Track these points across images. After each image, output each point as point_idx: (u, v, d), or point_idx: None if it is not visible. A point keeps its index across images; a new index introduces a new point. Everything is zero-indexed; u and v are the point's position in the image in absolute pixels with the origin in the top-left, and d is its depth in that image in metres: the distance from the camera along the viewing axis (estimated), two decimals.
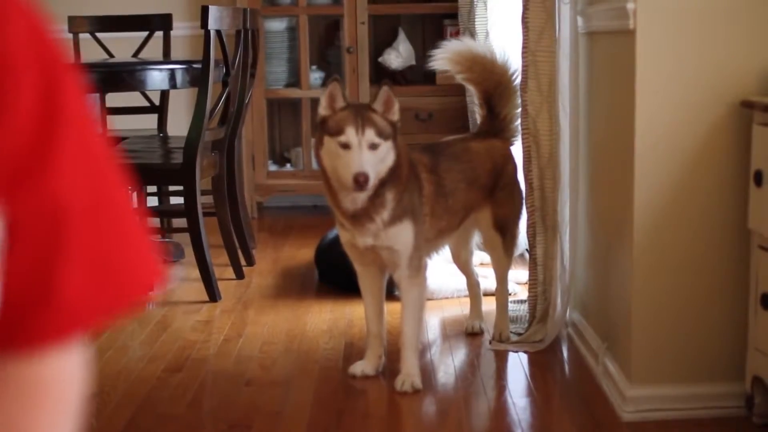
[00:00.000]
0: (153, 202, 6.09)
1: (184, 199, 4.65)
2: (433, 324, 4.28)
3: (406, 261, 3.44)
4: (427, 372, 3.75)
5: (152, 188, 5.93)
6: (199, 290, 4.70)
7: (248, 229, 5.49)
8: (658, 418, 3.16)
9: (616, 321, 3.37)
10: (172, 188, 5.83)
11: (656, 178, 3.10)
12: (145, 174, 4.75)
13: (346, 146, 3.21)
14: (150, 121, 6.14)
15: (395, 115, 3.31)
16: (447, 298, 4.57)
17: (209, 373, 3.72)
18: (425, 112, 6.58)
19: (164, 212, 5.77)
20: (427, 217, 3.52)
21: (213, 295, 4.64)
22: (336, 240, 4.89)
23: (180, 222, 5.33)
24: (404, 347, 3.49)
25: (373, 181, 3.21)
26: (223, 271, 5.02)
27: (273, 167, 6.86)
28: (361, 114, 3.25)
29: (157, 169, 4.75)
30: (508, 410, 3.31)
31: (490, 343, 3.91)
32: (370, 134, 3.22)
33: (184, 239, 5.03)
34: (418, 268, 3.48)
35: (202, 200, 4.70)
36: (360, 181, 3.15)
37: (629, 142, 3.14)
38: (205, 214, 4.75)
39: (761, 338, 2.98)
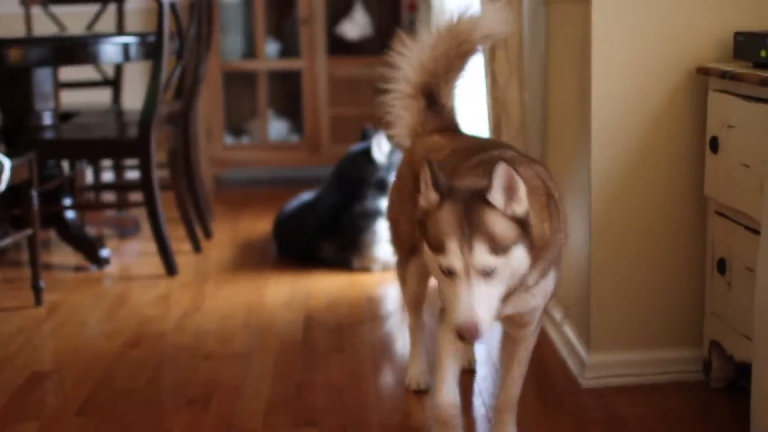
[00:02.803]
0: (109, 176, 6.04)
1: (140, 173, 4.60)
2: (392, 295, 4.28)
3: (541, 313, 2.58)
4: (386, 342, 3.76)
5: (108, 162, 5.88)
6: (156, 265, 4.67)
7: (205, 202, 5.45)
8: (617, 383, 3.17)
9: (574, 288, 3.37)
10: (128, 163, 5.78)
11: (613, 145, 3.10)
12: (100, 148, 4.70)
13: (448, 273, 2.21)
14: (105, 96, 6.08)
15: (521, 205, 2.24)
16: None
17: (168, 348, 3.69)
18: (385, 83, 6.53)
19: (120, 186, 5.72)
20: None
21: (170, 269, 4.61)
22: (294, 213, 4.88)
23: (137, 196, 5.29)
24: (505, 410, 2.71)
25: (489, 326, 2.21)
26: (180, 245, 4.98)
27: (230, 140, 6.82)
28: (468, 218, 2.20)
29: (111, 142, 4.70)
30: (468, 379, 3.31)
31: None
32: (481, 254, 2.18)
33: (141, 214, 4.99)
34: (541, 318, 2.63)
35: (159, 174, 4.66)
36: (466, 336, 2.18)
37: (586, 109, 3.13)
38: (162, 188, 4.72)
39: (718, 303, 2.99)
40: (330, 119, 6.64)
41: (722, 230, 2.95)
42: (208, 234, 5.29)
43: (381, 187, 4.70)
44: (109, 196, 6.03)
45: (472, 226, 2.18)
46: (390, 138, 4.68)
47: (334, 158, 5.14)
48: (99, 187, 5.72)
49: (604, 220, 3.14)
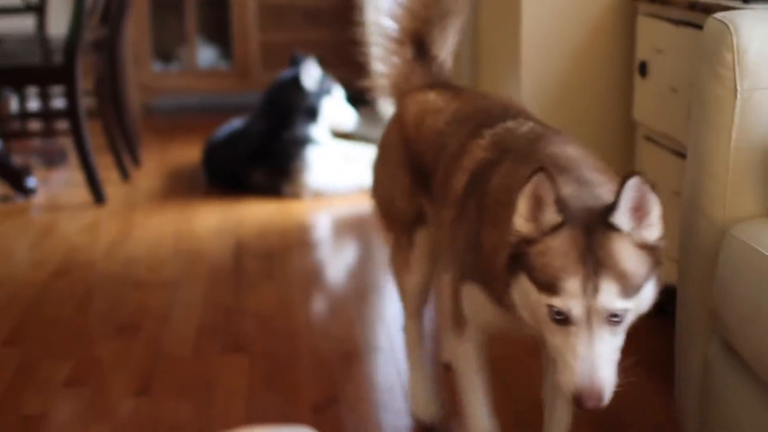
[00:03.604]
0: (34, 105, 5.94)
1: (66, 100, 4.53)
2: (323, 222, 4.27)
3: None
4: (316, 269, 3.75)
5: (33, 90, 5.78)
6: (84, 194, 4.61)
7: (133, 130, 5.38)
8: None
9: None
10: (55, 91, 5.67)
11: (543, 69, 3.10)
12: (25, 75, 4.61)
13: (562, 319, 1.69)
14: (29, 23, 5.95)
15: (654, 230, 1.74)
16: (338, 195, 4.54)
17: (96, 277, 3.66)
18: (314, 9, 6.48)
19: (46, 114, 5.62)
20: None
21: (98, 198, 4.55)
22: (224, 140, 4.84)
23: (63, 125, 5.20)
24: None
25: (613, 388, 1.71)
26: (108, 173, 4.91)
27: (158, 67, 6.72)
28: (592, 249, 1.69)
29: (36, 69, 4.61)
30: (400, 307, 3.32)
31: None
32: (609, 296, 1.68)
33: (68, 142, 4.92)
34: None
35: (86, 102, 4.58)
36: (586, 403, 1.67)
37: (516, 34, 3.12)
38: (89, 116, 4.64)
39: None
40: (260, 45, 6.56)
41: (650, 155, 2.97)
42: (136, 162, 5.23)
43: (311, 113, 4.68)
44: (35, 125, 5.92)
45: (598, 261, 1.68)
46: (318, 64, 4.66)
47: (264, 85, 5.09)
48: (24, 115, 5.62)
49: None
